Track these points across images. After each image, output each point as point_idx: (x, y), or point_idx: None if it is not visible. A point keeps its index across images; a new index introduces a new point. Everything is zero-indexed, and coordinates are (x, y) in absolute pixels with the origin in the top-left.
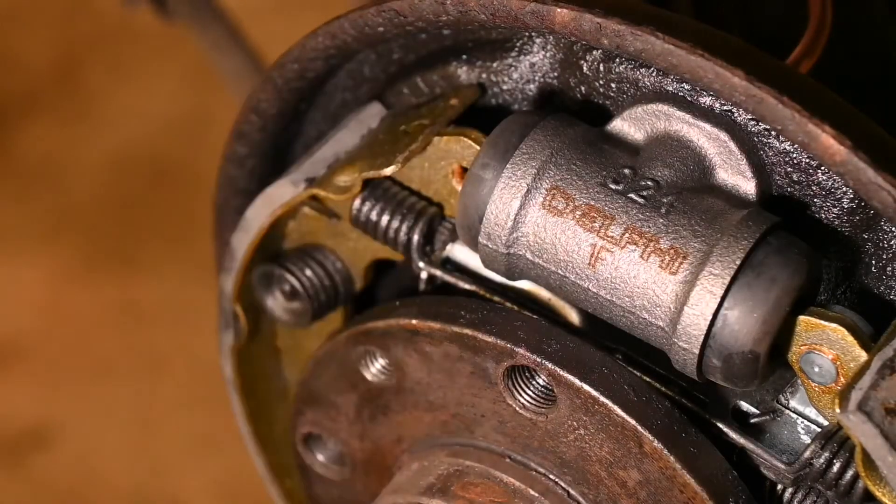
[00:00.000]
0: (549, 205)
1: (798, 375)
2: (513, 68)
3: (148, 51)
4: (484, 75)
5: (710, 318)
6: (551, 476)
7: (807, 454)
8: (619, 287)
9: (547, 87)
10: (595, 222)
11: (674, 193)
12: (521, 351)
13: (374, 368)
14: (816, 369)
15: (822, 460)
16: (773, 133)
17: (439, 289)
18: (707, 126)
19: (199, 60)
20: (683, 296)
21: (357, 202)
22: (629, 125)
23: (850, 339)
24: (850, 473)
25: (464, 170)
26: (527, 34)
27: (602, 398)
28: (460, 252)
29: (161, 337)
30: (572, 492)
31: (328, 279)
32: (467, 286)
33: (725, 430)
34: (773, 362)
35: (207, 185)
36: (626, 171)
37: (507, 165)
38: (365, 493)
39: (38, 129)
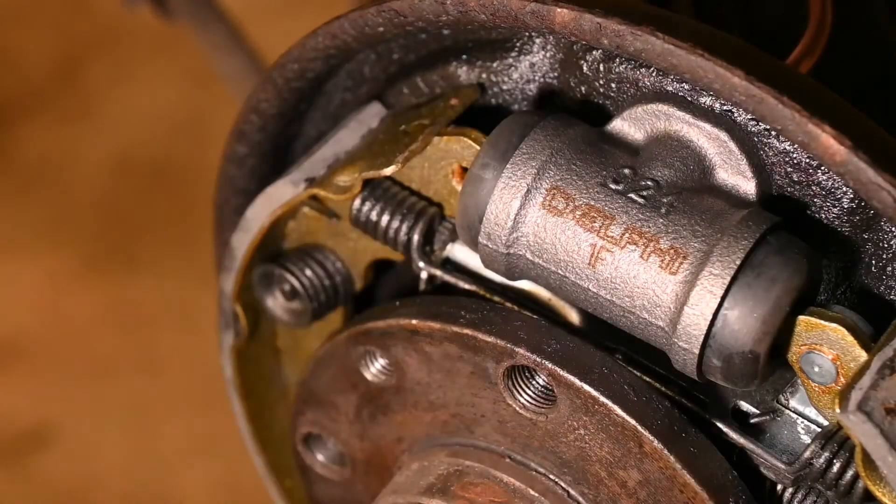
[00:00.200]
0: (549, 205)
1: (798, 375)
2: (513, 68)
3: (148, 51)
4: (484, 75)
5: (710, 318)
6: (551, 476)
7: (807, 454)
8: (619, 287)
9: (547, 87)
10: (595, 222)
11: (674, 193)
12: (521, 351)
13: (374, 368)
14: (816, 369)
15: (822, 460)
16: (773, 133)
17: (439, 289)
18: (707, 126)
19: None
20: (683, 296)
21: (357, 202)
22: (629, 125)
23: (850, 339)
24: (850, 473)
25: (464, 170)
26: (527, 34)
27: (602, 398)
28: (460, 252)
29: (161, 337)
30: (572, 492)
31: (328, 279)
32: (467, 286)
33: (725, 430)
34: (773, 362)
35: (207, 185)
36: (626, 171)
37: (507, 165)
38: (365, 493)
39: (38, 129)
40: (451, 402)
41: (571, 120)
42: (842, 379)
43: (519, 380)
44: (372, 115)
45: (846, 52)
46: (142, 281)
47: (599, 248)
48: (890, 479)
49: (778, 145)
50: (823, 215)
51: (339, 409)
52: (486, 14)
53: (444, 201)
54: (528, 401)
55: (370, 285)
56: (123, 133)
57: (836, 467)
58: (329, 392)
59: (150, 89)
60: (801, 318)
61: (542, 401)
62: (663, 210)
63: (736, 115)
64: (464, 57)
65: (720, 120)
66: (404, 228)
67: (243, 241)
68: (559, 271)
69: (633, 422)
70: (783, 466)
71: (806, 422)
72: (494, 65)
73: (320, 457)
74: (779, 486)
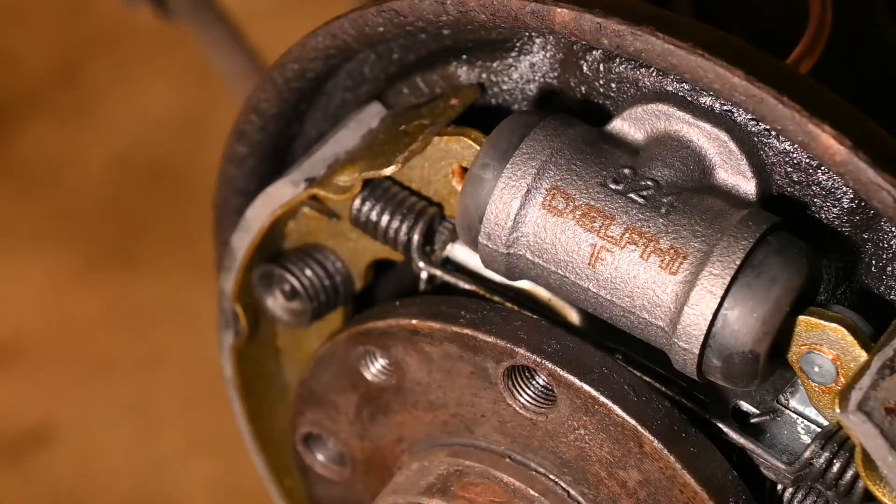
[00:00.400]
0: (549, 205)
1: (798, 375)
2: (513, 68)
3: (148, 51)
4: (484, 75)
5: (710, 318)
6: (551, 476)
7: (807, 454)
8: (619, 287)
9: (547, 87)
10: (595, 222)
11: (674, 193)
12: (521, 351)
13: (374, 368)
14: (816, 369)
15: (822, 460)
16: (773, 133)
17: (439, 289)
18: (707, 126)
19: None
20: (683, 296)
21: (357, 202)
22: (629, 125)
23: (850, 339)
24: (850, 473)
25: (464, 170)
26: (527, 34)
27: (602, 398)
28: (460, 252)
29: (161, 337)
30: (572, 492)
31: (328, 279)
32: (467, 286)
33: (725, 430)
34: (773, 362)
35: (207, 185)
36: (626, 171)
37: (507, 165)
38: (365, 493)
39: (38, 129)
40: (451, 402)
41: (571, 120)
42: (842, 379)
43: (519, 380)
44: (372, 115)
45: (846, 52)
46: (142, 281)
47: (599, 248)
48: (890, 479)
49: (778, 145)
50: (823, 215)
51: (339, 409)
52: (486, 14)
53: (444, 201)
54: (528, 401)
55: (370, 285)
56: (123, 133)
57: (836, 467)
58: (329, 392)
59: (150, 89)
60: (801, 318)
61: (542, 401)
62: (663, 210)
63: (736, 115)
64: (464, 57)
65: (720, 120)
66: (404, 228)
67: (243, 241)
68: (559, 271)
69: (633, 422)
70: (783, 466)
71: (806, 422)
72: (494, 65)
73: (320, 457)
74: (779, 486)
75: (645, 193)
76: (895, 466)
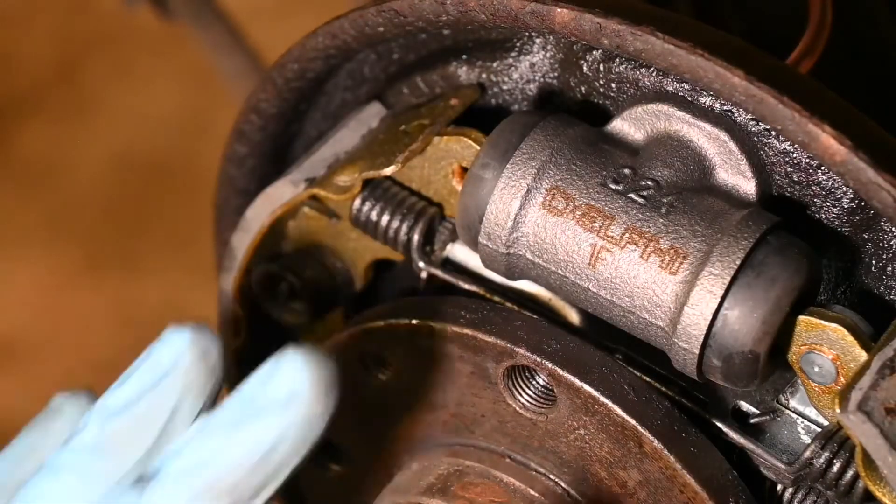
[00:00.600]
0: (549, 205)
1: (798, 375)
2: (513, 68)
3: (148, 51)
4: (484, 75)
5: (710, 318)
6: (551, 476)
7: (807, 454)
8: (619, 287)
9: (547, 87)
10: (595, 222)
11: (674, 193)
12: (521, 351)
13: (374, 368)
14: (816, 369)
15: (822, 460)
16: (773, 133)
17: (439, 289)
18: (707, 126)
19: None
20: (683, 296)
21: (357, 202)
22: (629, 125)
23: (850, 339)
24: (850, 473)
25: (464, 170)
26: (527, 34)
27: (602, 398)
28: (460, 252)
29: None
30: (572, 492)
31: (328, 279)
32: (467, 286)
33: (725, 430)
34: (773, 362)
35: (207, 185)
36: (626, 171)
37: (507, 165)
38: (365, 493)
39: (37, 128)
40: (451, 402)
41: (571, 120)
42: (842, 379)
43: (519, 380)
44: (372, 115)
45: (846, 52)
46: (142, 281)
47: (599, 248)
48: (890, 479)
49: (778, 145)
50: (823, 215)
51: (338, 409)
52: (486, 14)
53: (444, 201)
54: (528, 401)
55: (370, 285)
56: (123, 133)
57: (836, 467)
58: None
59: (150, 89)
60: (801, 318)
61: (542, 401)
62: (663, 210)
63: (736, 115)
64: (464, 57)
65: (720, 120)
66: (404, 228)
67: (243, 241)
68: (559, 271)
69: (633, 422)
70: (783, 466)
71: (806, 422)
72: (494, 65)
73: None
74: (779, 486)
75: (645, 193)
76: (895, 466)
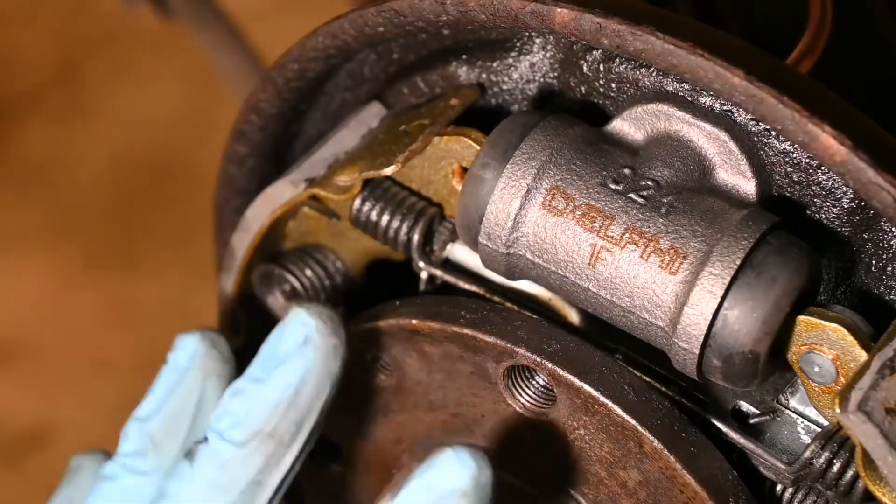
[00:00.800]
0: (549, 205)
1: (798, 375)
2: (513, 68)
3: (148, 51)
4: (484, 75)
5: (710, 318)
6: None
7: (807, 454)
8: (619, 287)
9: (547, 87)
10: (595, 222)
11: (674, 193)
12: (522, 351)
13: (374, 368)
14: (816, 369)
15: (822, 460)
16: (773, 133)
17: (439, 289)
18: (707, 126)
19: (199, 60)
20: (683, 296)
21: (357, 202)
22: (629, 125)
23: (850, 339)
24: (850, 473)
25: (464, 170)
26: (527, 34)
27: (602, 398)
28: (460, 252)
29: (161, 337)
30: (572, 492)
31: (328, 279)
32: (467, 286)
33: (725, 430)
34: (773, 362)
35: (207, 185)
36: (626, 171)
37: (507, 165)
38: (364, 493)
39: (38, 129)
40: (451, 402)
41: (572, 120)
42: (842, 379)
43: (519, 380)
44: (372, 115)
45: (846, 52)
46: (142, 281)
47: (599, 248)
48: (890, 479)
49: (778, 145)
50: (823, 215)
51: (338, 409)
52: (486, 14)
53: (444, 201)
54: (528, 401)
55: (370, 285)
56: (123, 133)
57: (836, 467)
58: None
59: (150, 89)
60: (801, 318)
61: (542, 401)
62: (663, 210)
63: (736, 115)
64: (464, 57)
65: (720, 120)
66: (404, 228)
67: (243, 241)
68: (559, 271)
69: (633, 422)
70: (783, 466)
71: (806, 422)
72: (494, 65)
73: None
74: (779, 486)
75: (645, 193)
76: (895, 466)
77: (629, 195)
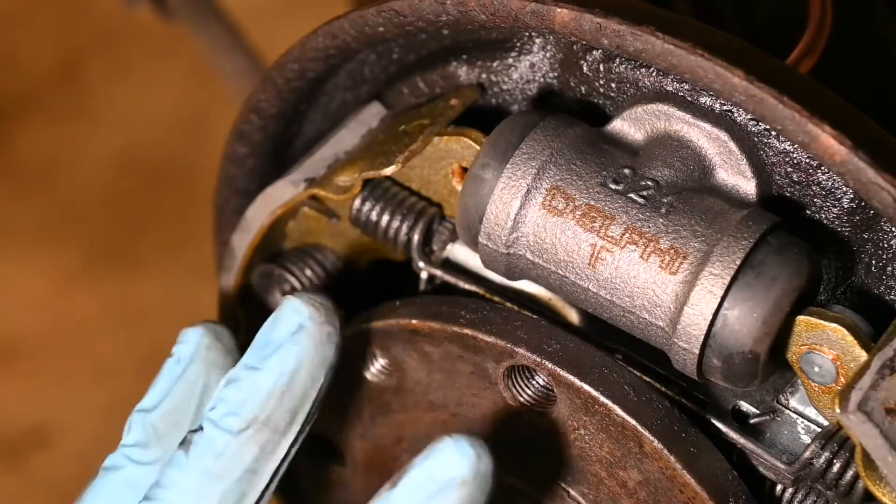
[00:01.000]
0: (549, 205)
1: (798, 375)
2: (513, 68)
3: (148, 51)
4: (484, 75)
5: (710, 318)
6: None
7: (807, 454)
8: (619, 287)
9: (547, 87)
10: (595, 222)
11: (674, 193)
12: (521, 351)
13: (374, 368)
14: (816, 369)
15: (822, 460)
16: (773, 133)
17: (439, 289)
18: (707, 126)
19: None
20: (683, 296)
21: (357, 202)
22: (629, 125)
23: (850, 339)
24: (850, 473)
25: (464, 170)
26: (527, 34)
27: (602, 398)
28: (460, 252)
29: (161, 337)
30: (572, 492)
31: (328, 279)
32: (467, 286)
33: (725, 430)
34: (773, 362)
35: (207, 185)
36: (626, 171)
37: (507, 165)
38: (364, 493)
39: (38, 129)
40: (451, 402)
41: (572, 120)
42: (842, 379)
43: (519, 380)
44: (372, 115)
45: (846, 52)
46: (142, 281)
47: (599, 248)
48: (890, 480)
49: (778, 145)
50: (823, 215)
51: (338, 410)
52: (486, 14)
53: (444, 201)
54: (528, 401)
55: (370, 285)
56: (123, 133)
57: (836, 467)
58: (329, 392)
59: (150, 89)
60: (801, 318)
61: (542, 401)
62: (663, 210)
63: (736, 115)
64: (464, 57)
65: (720, 120)
66: (404, 228)
67: (243, 241)
68: (559, 271)
69: (633, 422)
70: (783, 466)
71: (806, 422)
72: (494, 65)
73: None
74: (779, 486)
75: (645, 193)
76: (895, 466)
77: (629, 195)
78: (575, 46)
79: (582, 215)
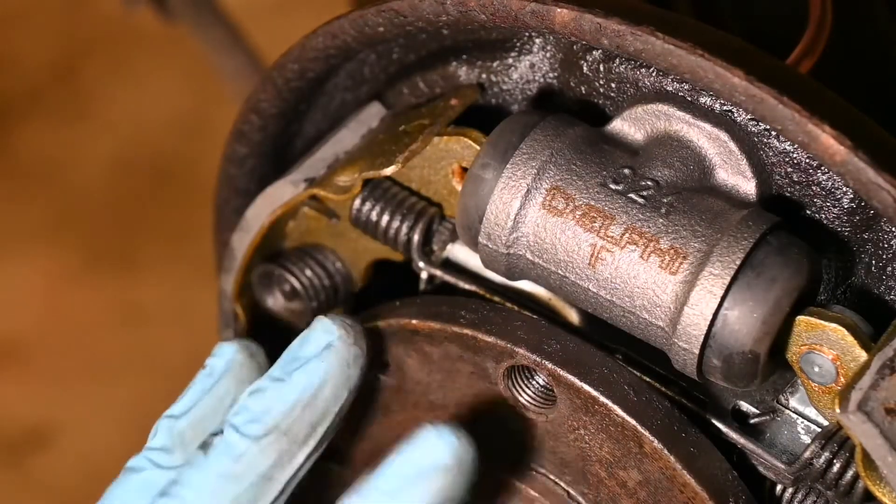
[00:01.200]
0: (549, 205)
1: (798, 375)
2: (513, 68)
3: (148, 51)
4: (484, 75)
5: (710, 318)
6: (551, 476)
7: (807, 454)
8: (619, 287)
9: (547, 87)
10: (595, 222)
11: (674, 193)
12: (521, 351)
13: (374, 368)
14: (816, 369)
15: (822, 460)
16: (773, 133)
17: (439, 289)
18: (707, 126)
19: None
20: (683, 296)
21: (357, 202)
22: (629, 125)
23: (850, 339)
24: (850, 473)
25: (464, 170)
26: (527, 34)
27: (602, 398)
28: (460, 252)
29: (161, 337)
30: (572, 492)
31: (328, 279)
32: (467, 286)
33: (725, 430)
34: (773, 362)
35: (207, 185)
36: (626, 171)
37: (507, 165)
38: None
39: (38, 129)
40: (451, 402)
41: (572, 120)
42: (842, 379)
43: (519, 380)
44: (372, 115)
45: (846, 52)
46: (142, 281)
47: (599, 248)
48: (890, 480)
49: (778, 145)
50: (823, 215)
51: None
52: (486, 14)
53: (444, 201)
54: (527, 401)
55: (370, 285)
56: (123, 133)
57: (836, 467)
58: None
59: (150, 89)
60: (801, 318)
61: (541, 401)
62: (663, 210)
63: (736, 115)
64: (464, 57)
65: (720, 120)
66: (404, 228)
67: (243, 241)
68: (559, 271)
69: (633, 422)
70: (783, 466)
71: (806, 422)
72: (494, 65)
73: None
74: (779, 486)
75: (645, 193)
76: (895, 466)
77: (629, 195)
78: (575, 46)
79: (582, 215)
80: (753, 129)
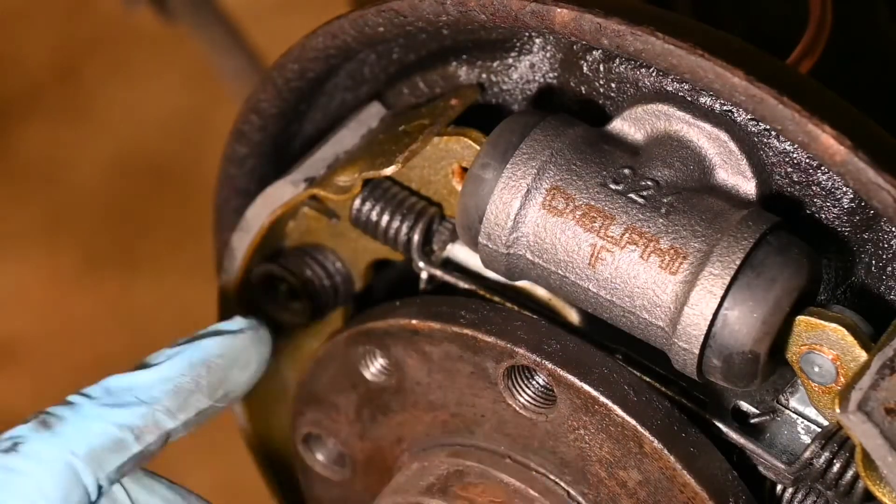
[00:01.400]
0: (549, 205)
1: (798, 375)
2: (513, 68)
3: (148, 51)
4: (484, 75)
5: (710, 318)
6: (551, 476)
7: (807, 454)
8: (619, 287)
9: (547, 87)
10: (595, 222)
11: (674, 193)
12: (521, 351)
13: (374, 368)
14: (816, 369)
15: (822, 460)
16: (773, 133)
17: (439, 289)
18: (707, 126)
19: (199, 60)
20: (683, 296)
21: (357, 202)
22: (629, 125)
23: (850, 339)
24: (850, 473)
25: (464, 170)
26: (527, 34)
27: (602, 398)
28: (460, 252)
29: (161, 337)
30: (572, 492)
31: (328, 279)
32: (467, 286)
33: (725, 430)
34: (773, 362)
35: (207, 185)
36: (626, 171)
37: (508, 165)
38: (365, 494)
39: (38, 129)
40: (451, 402)
41: (572, 120)
42: (842, 379)
43: (519, 380)
44: (372, 115)
45: (846, 52)
46: (142, 281)
47: (599, 248)
48: (890, 479)
49: (778, 145)
50: (823, 215)
51: (339, 410)
52: (486, 14)
53: (444, 201)
54: (527, 401)
55: (370, 285)
56: (123, 133)
57: (836, 467)
58: (329, 392)
59: (150, 89)
60: (801, 318)
61: (541, 401)
62: (663, 210)
63: (736, 115)
64: (464, 57)
65: (720, 120)
66: (404, 228)
67: (243, 241)
68: (559, 271)
69: (633, 422)
70: (783, 466)
71: (806, 422)
72: (494, 65)
73: (320, 457)
74: (779, 486)
75: (645, 193)
76: (895, 466)
77: (629, 195)
78: (575, 46)
79: (582, 215)
80: (753, 129)
